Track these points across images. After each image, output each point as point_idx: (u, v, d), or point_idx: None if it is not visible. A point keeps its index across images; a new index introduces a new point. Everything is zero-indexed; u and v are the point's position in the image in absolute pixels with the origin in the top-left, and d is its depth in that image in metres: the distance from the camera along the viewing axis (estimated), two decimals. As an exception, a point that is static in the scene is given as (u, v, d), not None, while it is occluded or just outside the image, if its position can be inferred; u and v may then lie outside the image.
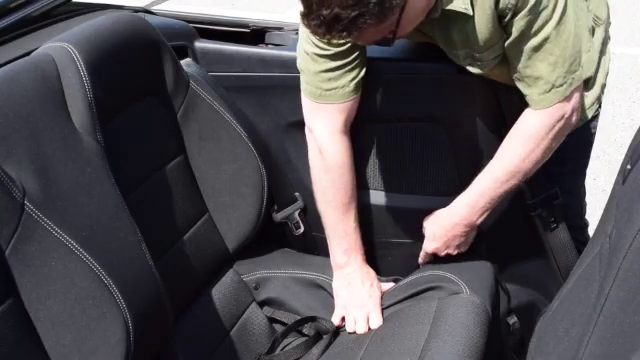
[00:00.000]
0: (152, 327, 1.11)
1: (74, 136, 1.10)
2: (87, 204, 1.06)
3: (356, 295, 1.39)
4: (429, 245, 1.40)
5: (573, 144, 1.45)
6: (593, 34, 1.40)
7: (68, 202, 1.04)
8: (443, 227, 1.37)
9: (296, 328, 1.43)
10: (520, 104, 1.36)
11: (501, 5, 1.16)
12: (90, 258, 1.01)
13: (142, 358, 1.06)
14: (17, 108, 1.05)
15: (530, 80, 1.23)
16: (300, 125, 1.49)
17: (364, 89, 1.41)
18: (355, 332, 1.37)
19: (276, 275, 1.48)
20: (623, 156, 0.99)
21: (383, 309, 1.39)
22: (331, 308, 1.42)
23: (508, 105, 1.37)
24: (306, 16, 1.07)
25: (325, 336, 1.38)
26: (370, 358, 1.28)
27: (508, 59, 1.25)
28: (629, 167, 0.94)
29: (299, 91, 1.40)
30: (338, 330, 1.40)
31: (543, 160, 1.30)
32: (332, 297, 1.44)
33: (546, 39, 1.18)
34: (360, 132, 1.48)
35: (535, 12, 1.16)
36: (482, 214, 1.33)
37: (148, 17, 1.48)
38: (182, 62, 1.43)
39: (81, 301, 1.01)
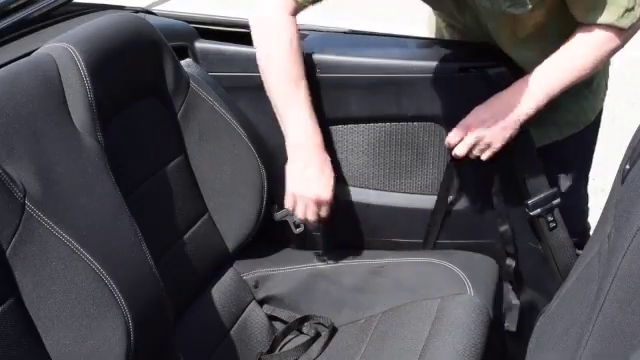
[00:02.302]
0: (152, 326, 1.11)
1: (75, 136, 1.10)
2: (88, 204, 1.07)
3: (311, 184, 1.32)
4: (465, 121, 1.31)
5: (575, 148, 1.45)
6: None
7: (69, 202, 1.04)
8: (491, 106, 1.29)
9: (296, 327, 1.44)
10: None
11: None
12: (90, 258, 1.01)
13: (142, 357, 1.06)
14: (18, 108, 1.05)
15: (600, 8, 1.19)
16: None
17: (365, 89, 1.41)
18: (306, 219, 1.34)
19: (275, 273, 1.48)
20: (622, 156, 1.00)
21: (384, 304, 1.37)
22: (331, 302, 1.43)
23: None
24: None
25: (324, 333, 1.38)
26: (370, 357, 1.28)
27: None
28: (628, 167, 0.94)
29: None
30: (337, 328, 1.40)
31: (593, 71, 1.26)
32: (331, 289, 1.44)
33: None
34: (360, 132, 1.49)
35: None
36: (538, 102, 1.26)
37: (148, 17, 1.48)
38: (182, 62, 1.43)
39: (82, 301, 1.01)
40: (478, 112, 1.30)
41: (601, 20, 1.21)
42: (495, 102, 1.29)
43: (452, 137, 1.33)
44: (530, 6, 1.24)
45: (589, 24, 1.23)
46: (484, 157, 1.32)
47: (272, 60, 1.33)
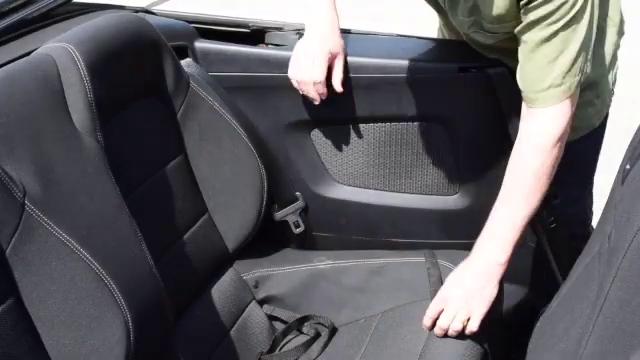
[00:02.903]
0: (152, 327, 1.11)
1: (74, 136, 1.10)
2: (87, 204, 1.07)
3: (304, 62, 1.37)
4: (442, 292, 1.23)
5: (579, 152, 1.43)
6: (605, 35, 1.36)
7: (68, 202, 1.04)
8: (464, 269, 1.23)
9: (296, 327, 1.44)
10: (520, 103, 1.35)
11: None
12: (90, 258, 1.01)
13: (142, 358, 1.06)
14: (18, 108, 1.05)
15: (528, 74, 1.19)
16: (300, 125, 1.50)
17: (365, 89, 1.41)
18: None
19: (275, 273, 1.49)
20: (622, 156, 0.99)
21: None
22: (331, 302, 1.43)
23: (508, 105, 1.37)
24: None
25: (324, 333, 1.38)
26: (370, 356, 1.28)
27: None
28: (628, 167, 0.94)
29: (299, 91, 1.40)
30: (337, 328, 1.40)
31: (552, 173, 1.21)
32: (331, 289, 1.44)
33: (555, 33, 1.13)
34: (360, 132, 1.49)
35: (554, 2, 1.11)
36: (509, 249, 1.21)
37: (148, 17, 1.48)
38: (182, 62, 1.43)
39: (81, 301, 1.01)
40: (454, 280, 1.25)
41: (522, 86, 1.19)
42: (466, 264, 1.25)
43: (432, 310, 1.23)
44: (491, 41, 1.25)
45: (528, 117, 1.20)
46: (473, 327, 1.21)
47: None
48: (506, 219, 1.23)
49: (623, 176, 0.94)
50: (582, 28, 1.14)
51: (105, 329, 1.02)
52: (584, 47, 1.16)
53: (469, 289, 1.22)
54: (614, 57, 1.39)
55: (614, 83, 1.43)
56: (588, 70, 1.20)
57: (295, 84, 1.40)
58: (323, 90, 1.38)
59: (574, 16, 1.12)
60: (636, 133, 0.97)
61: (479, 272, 1.23)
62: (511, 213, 1.23)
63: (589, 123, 1.41)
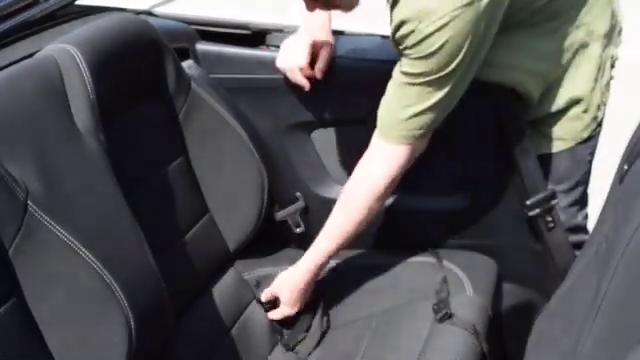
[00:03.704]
0: (153, 326, 1.11)
1: (77, 137, 1.11)
2: (90, 204, 1.07)
3: (290, 50, 1.44)
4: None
5: (568, 163, 1.42)
6: (590, 50, 1.35)
7: (71, 202, 1.05)
8: (294, 284, 1.41)
9: (297, 325, 1.44)
10: (515, 106, 1.36)
11: (393, 24, 1.18)
12: (92, 258, 1.02)
13: (143, 357, 1.07)
14: (21, 109, 1.06)
15: (382, 103, 1.27)
16: (300, 126, 1.50)
17: (364, 90, 1.42)
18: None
19: (277, 272, 1.49)
20: (619, 157, 1.00)
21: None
22: (330, 301, 1.43)
23: (504, 106, 1.38)
24: None
25: (324, 332, 1.39)
26: (370, 356, 1.29)
27: None
28: (626, 167, 0.94)
29: (299, 93, 1.41)
30: (337, 327, 1.41)
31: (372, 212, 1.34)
32: (331, 288, 1.45)
33: (412, 86, 1.20)
34: (360, 132, 1.49)
35: (419, 65, 1.17)
36: (315, 270, 1.40)
37: (150, 19, 1.49)
38: (183, 64, 1.43)
39: (84, 300, 1.02)
40: (283, 279, 1.42)
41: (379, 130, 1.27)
42: (295, 267, 1.42)
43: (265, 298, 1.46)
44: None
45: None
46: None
47: None
48: (325, 242, 1.38)
49: (621, 176, 0.95)
50: (437, 96, 1.20)
51: (107, 328, 1.03)
52: (434, 111, 1.22)
53: (291, 290, 1.41)
54: (601, 69, 1.37)
55: (605, 93, 1.41)
56: (432, 128, 1.27)
57: (284, 72, 1.45)
58: (309, 73, 1.42)
59: (433, 82, 1.18)
60: (633, 133, 0.98)
61: (297, 277, 1.40)
62: (329, 239, 1.37)
63: (577, 136, 1.39)
